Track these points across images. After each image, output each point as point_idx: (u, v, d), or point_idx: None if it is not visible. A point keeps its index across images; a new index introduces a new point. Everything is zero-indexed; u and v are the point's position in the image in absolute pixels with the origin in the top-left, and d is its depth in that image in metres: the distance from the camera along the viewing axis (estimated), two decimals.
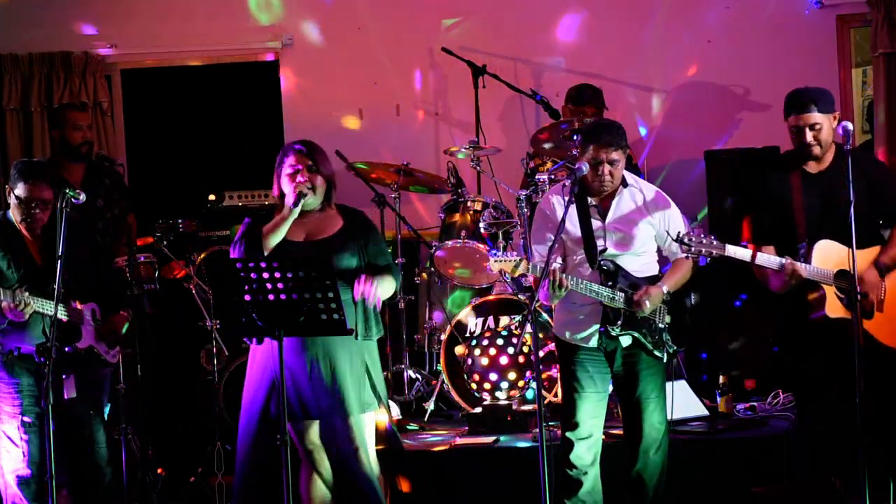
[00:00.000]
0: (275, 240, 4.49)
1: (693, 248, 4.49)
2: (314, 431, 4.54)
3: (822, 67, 7.01)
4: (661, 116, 7.38)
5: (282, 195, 4.58)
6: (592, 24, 7.43)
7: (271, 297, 4.17)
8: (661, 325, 4.66)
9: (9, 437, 4.79)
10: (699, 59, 7.31)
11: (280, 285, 4.15)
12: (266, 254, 4.46)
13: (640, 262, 4.69)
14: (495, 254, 4.56)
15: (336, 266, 4.46)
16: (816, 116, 4.63)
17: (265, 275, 4.15)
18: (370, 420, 4.58)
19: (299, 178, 4.51)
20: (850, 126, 4.60)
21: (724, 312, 6.64)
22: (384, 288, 4.54)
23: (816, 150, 4.67)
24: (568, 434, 4.69)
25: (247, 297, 4.19)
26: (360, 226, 4.67)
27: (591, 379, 4.65)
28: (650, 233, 4.70)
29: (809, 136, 4.64)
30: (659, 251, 4.79)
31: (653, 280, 4.67)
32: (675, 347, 4.71)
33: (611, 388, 4.79)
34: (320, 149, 4.65)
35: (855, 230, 4.35)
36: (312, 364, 4.47)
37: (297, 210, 4.50)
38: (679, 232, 4.55)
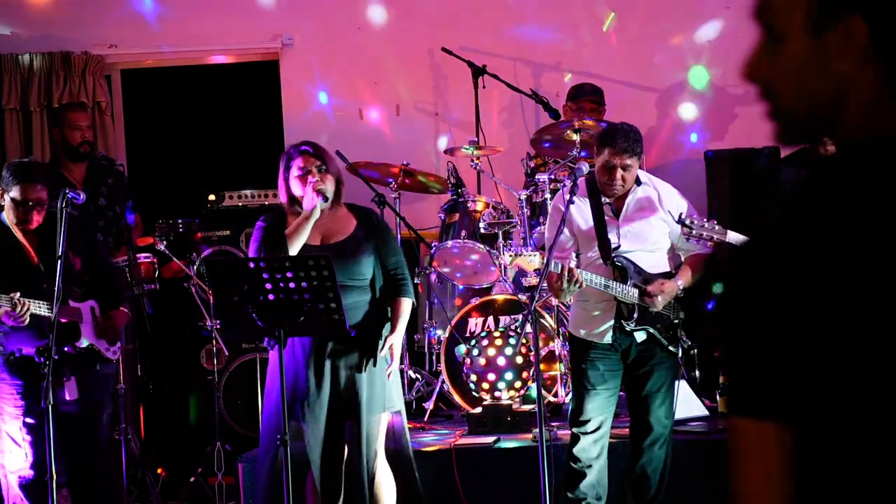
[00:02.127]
0: (300, 242, 4.46)
1: (694, 231, 4.52)
2: (326, 432, 4.50)
3: None
4: (660, 116, 7.38)
5: (292, 199, 4.55)
6: (593, 24, 7.44)
7: (272, 297, 4.17)
8: (675, 321, 4.69)
9: (11, 438, 4.79)
10: (699, 59, 7.31)
11: (281, 285, 4.15)
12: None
13: (653, 258, 4.72)
14: (508, 248, 4.58)
15: (354, 268, 4.46)
16: None
17: (265, 275, 4.15)
18: (383, 421, 4.57)
19: (311, 179, 4.48)
20: None
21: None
22: (404, 327, 4.59)
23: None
24: (574, 429, 4.71)
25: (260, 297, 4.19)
26: (373, 225, 4.65)
27: (601, 377, 4.67)
28: (664, 230, 4.72)
29: None
30: (672, 249, 4.82)
31: (666, 277, 4.69)
32: (689, 343, 4.75)
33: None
34: (325, 148, 4.64)
35: None
36: (330, 365, 4.45)
37: (319, 211, 4.48)
38: (681, 213, 4.57)
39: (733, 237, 4.59)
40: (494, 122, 7.36)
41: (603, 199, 4.68)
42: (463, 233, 6.22)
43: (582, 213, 4.66)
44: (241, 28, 7.59)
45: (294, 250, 4.44)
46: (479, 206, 6.37)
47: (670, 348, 4.69)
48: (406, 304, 4.59)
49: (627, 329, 4.63)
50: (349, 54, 7.55)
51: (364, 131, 7.52)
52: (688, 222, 4.52)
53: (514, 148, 7.09)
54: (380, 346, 4.46)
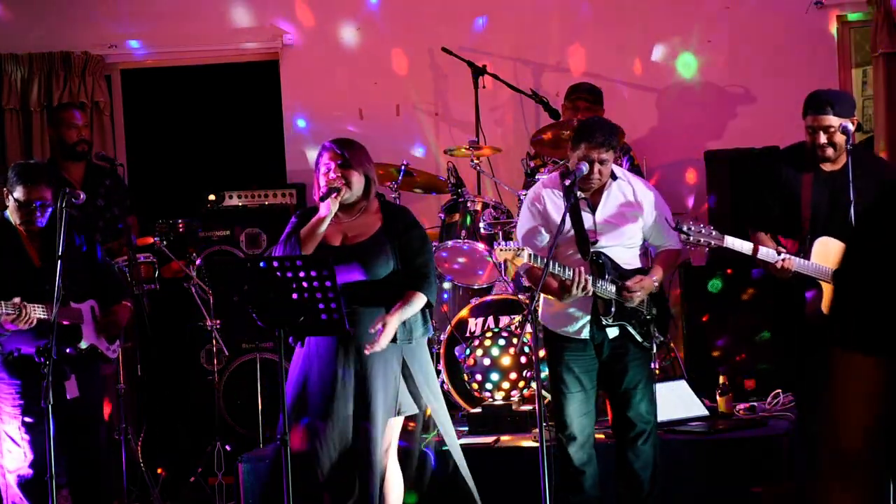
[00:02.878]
0: (313, 242, 4.41)
1: (692, 238, 4.51)
2: (338, 432, 4.46)
3: (822, 67, 7.01)
4: (660, 116, 7.37)
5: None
6: (592, 23, 7.43)
7: (271, 296, 4.17)
8: (648, 317, 4.70)
9: (10, 438, 4.79)
10: (699, 59, 7.31)
11: (281, 285, 4.15)
12: None
13: (630, 254, 4.73)
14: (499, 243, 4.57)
15: (373, 270, 4.43)
16: (831, 119, 4.64)
17: (268, 275, 4.15)
18: (395, 425, 4.54)
19: (330, 175, 4.43)
20: (850, 126, 4.62)
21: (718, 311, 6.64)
22: (405, 316, 4.44)
23: (829, 152, 4.68)
24: (560, 435, 4.72)
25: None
26: (398, 225, 4.55)
27: (576, 380, 4.68)
28: (640, 225, 4.73)
29: (823, 138, 4.65)
30: (643, 242, 4.82)
31: (640, 272, 4.70)
32: (661, 338, 4.77)
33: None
34: (355, 144, 4.57)
35: None
36: (345, 366, 4.42)
37: (333, 210, 4.41)
38: (678, 220, 4.57)
39: (731, 242, 4.57)
40: (494, 123, 7.36)
41: (579, 194, 4.67)
42: (463, 233, 6.22)
43: (559, 208, 4.65)
44: (240, 28, 7.60)
45: (308, 250, 4.40)
46: (479, 206, 6.36)
47: (644, 344, 4.70)
48: (417, 297, 4.45)
49: (604, 324, 4.64)
50: (349, 54, 7.55)
51: (364, 131, 7.52)
52: (685, 228, 4.50)
53: (514, 148, 7.09)
54: (374, 323, 4.35)
